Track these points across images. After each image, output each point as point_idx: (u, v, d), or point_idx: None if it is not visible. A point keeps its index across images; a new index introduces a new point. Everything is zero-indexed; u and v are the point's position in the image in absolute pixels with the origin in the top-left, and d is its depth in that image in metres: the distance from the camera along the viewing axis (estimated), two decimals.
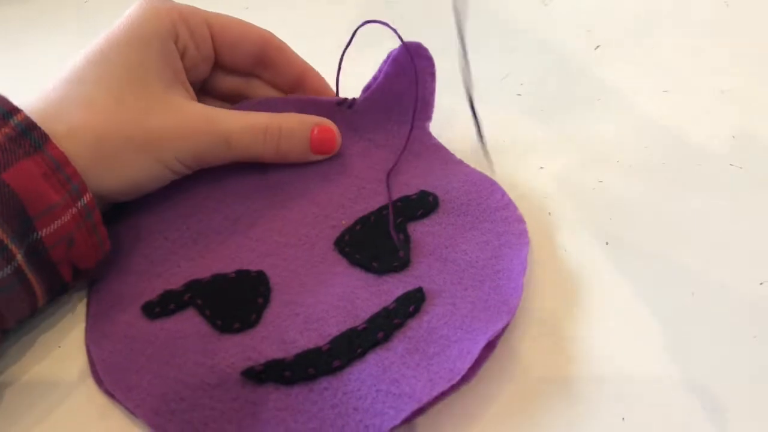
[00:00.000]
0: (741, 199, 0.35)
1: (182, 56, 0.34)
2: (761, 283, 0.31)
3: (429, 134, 0.37)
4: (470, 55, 0.45)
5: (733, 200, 0.35)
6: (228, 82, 0.37)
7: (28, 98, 0.30)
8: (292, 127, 0.35)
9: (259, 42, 0.36)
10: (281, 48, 0.37)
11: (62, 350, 0.31)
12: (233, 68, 0.37)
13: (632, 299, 0.31)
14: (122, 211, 0.34)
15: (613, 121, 0.40)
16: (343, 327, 0.29)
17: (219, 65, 0.37)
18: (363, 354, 0.28)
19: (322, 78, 0.38)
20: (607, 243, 0.34)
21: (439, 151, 0.37)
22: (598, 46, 0.45)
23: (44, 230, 0.28)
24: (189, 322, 0.30)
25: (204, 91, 0.38)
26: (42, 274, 0.29)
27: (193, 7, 0.35)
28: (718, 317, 0.30)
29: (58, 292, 0.31)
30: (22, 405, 0.29)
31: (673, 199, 0.36)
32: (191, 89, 0.35)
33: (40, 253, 0.29)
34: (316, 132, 0.35)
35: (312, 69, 0.37)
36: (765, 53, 0.44)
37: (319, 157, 0.36)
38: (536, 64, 0.44)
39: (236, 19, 0.36)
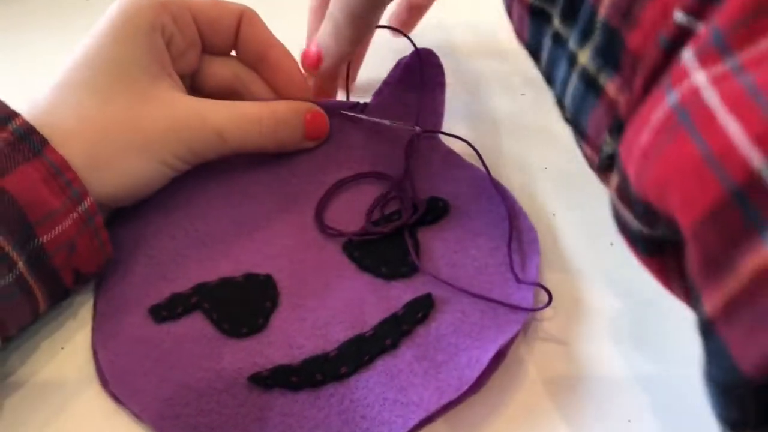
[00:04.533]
0: None
1: (168, 45, 0.34)
2: None
3: (440, 141, 0.37)
4: (469, 54, 0.45)
5: None
6: (218, 76, 0.37)
7: (18, 107, 0.30)
8: (287, 115, 0.35)
9: (237, 15, 0.36)
10: (251, 19, 0.36)
11: (66, 352, 0.30)
12: (219, 48, 0.36)
13: (638, 300, 0.31)
14: (127, 212, 0.34)
15: None
16: (351, 333, 0.29)
17: (206, 50, 0.36)
18: (370, 361, 0.28)
19: (289, 55, 0.36)
20: (611, 244, 0.33)
21: (450, 156, 0.36)
22: None
23: (45, 236, 0.28)
24: (196, 326, 0.30)
25: (194, 89, 0.37)
26: (44, 280, 0.29)
27: None
28: None
29: (59, 297, 0.31)
30: (28, 408, 0.29)
31: None
32: (180, 81, 0.34)
33: (42, 260, 0.28)
34: (309, 117, 0.35)
35: (280, 46, 0.36)
36: None
37: (312, 144, 0.36)
38: None
39: (215, 0, 0.36)
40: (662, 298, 0.31)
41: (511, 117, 0.41)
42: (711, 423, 0.27)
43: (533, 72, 0.43)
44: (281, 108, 0.35)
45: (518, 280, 0.30)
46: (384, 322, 0.29)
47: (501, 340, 0.28)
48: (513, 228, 0.32)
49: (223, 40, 0.36)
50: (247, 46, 0.36)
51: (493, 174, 0.35)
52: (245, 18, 0.36)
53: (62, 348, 0.31)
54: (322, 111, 0.36)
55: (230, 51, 0.37)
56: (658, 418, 0.27)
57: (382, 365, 0.28)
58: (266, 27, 0.36)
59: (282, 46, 0.36)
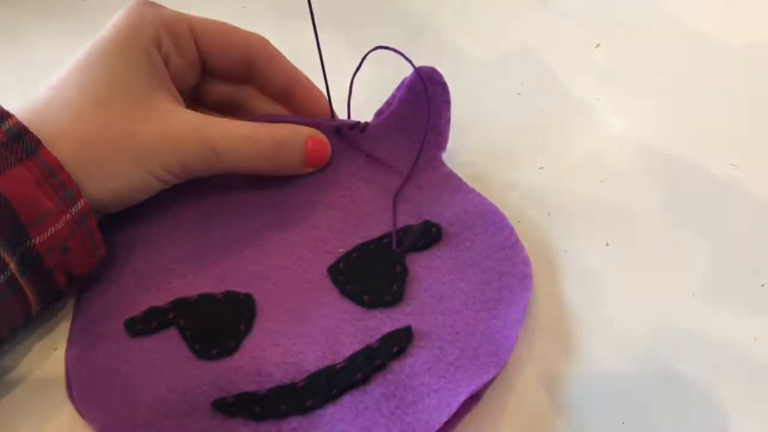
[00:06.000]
0: (741, 199, 0.35)
1: (166, 62, 0.33)
2: (762, 285, 0.31)
3: (442, 163, 0.36)
4: (467, 53, 0.45)
5: (733, 200, 0.35)
6: (219, 91, 0.36)
7: (14, 107, 0.30)
8: (287, 139, 0.34)
9: (245, 49, 0.35)
10: (269, 55, 0.35)
11: (59, 354, 0.30)
12: (222, 75, 0.36)
13: (633, 301, 0.31)
14: (120, 221, 0.34)
15: (613, 120, 0.40)
16: (322, 363, 0.28)
17: (207, 71, 0.36)
18: (338, 395, 0.27)
19: (314, 88, 0.36)
20: (607, 244, 0.33)
21: (450, 179, 0.35)
22: (598, 45, 0.45)
23: (38, 238, 0.28)
24: (169, 343, 0.30)
25: (196, 100, 0.37)
26: (36, 281, 0.29)
27: (176, 12, 0.34)
28: (718, 319, 0.30)
29: (52, 299, 0.31)
30: (21, 409, 0.29)
31: (674, 199, 0.35)
32: (179, 96, 0.34)
33: (34, 261, 0.28)
34: (310, 144, 0.34)
35: (302, 78, 0.36)
36: (765, 52, 0.44)
37: (311, 170, 0.35)
38: (536, 63, 0.44)
39: (222, 24, 0.35)
40: (657, 300, 0.31)
41: (507, 116, 0.41)
42: (705, 424, 0.27)
43: (530, 71, 0.43)
44: (282, 131, 0.34)
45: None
46: (357, 355, 0.28)
47: (475, 385, 0.27)
48: (506, 261, 0.31)
49: (227, 68, 0.35)
50: (269, 79, 0.36)
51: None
52: (261, 53, 0.35)
53: (55, 349, 0.31)
54: (324, 138, 0.35)
55: (235, 78, 0.36)
56: (652, 419, 0.27)
57: (349, 401, 0.27)
58: (285, 59, 0.36)
59: (305, 79, 0.36)
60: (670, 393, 0.28)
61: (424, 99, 0.34)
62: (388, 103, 0.36)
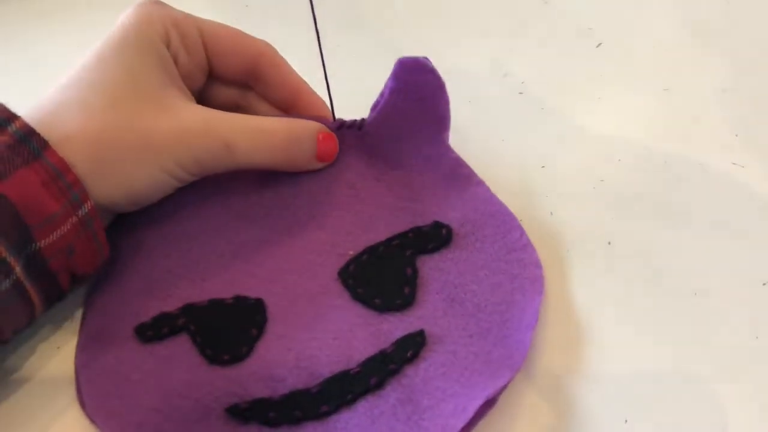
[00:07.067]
0: (744, 198, 0.35)
1: (175, 62, 0.33)
2: (764, 284, 0.31)
3: (448, 147, 0.35)
4: (468, 53, 0.45)
5: (735, 199, 0.35)
6: (223, 94, 0.36)
7: (24, 107, 0.30)
8: (300, 132, 0.34)
9: (252, 55, 0.35)
10: (274, 63, 0.35)
11: (62, 352, 0.30)
12: (227, 78, 0.36)
13: (634, 300, 0.31)
14: (126, 225, 0.33)
15: (614, 119, 0.40)
16: (336, 368, 0.28)
17: (213, 74, 0.35)
18: (353, 400, 0.27)
19: (318, 98, 0.36)
20: (609, 243, 0.33)
21: (459, 169, 0.34)
22: (599, 44, 0.45)
23: (43, 241, 0.28)
24: (179, 349, 0.29)
25: (201, 102, 0.36)
26: (41, 284, 0.29)
27: (186, 13, 0.34)
28: (720, 318, 0.30)
29: (55, 300, 0.31)
30: (26, 409, 0.29)
31: (675, 198, 0.35)
32: (189, 93, 0.34)
33: (39, 264, 0.28)
34: (321, 138, 0.34)
35: (306, 88, 0.36)
36: (765, 51, 0.44)
37: (321, 165, 0.35)
38: (537, 63, 0.44)
39: (231, 29, 0.35)
40: (660, 299, 0.31)
41: (509, 115, 0.41)
42: (706, 422, 0.27)
43: (530, 71, 0.43)
44: (294, 125, 0.34)
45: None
46: (371, 360, 0.28)
47: (490, 389, 0.26)
48: (518, 263, 0.31)
49: (232, 72, 0.35)
50: (274, 87, 0.35)
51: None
52: (267, 60, 0.35)
53: (58, 347, 0.31)
54: (333, 133, 0.35)
55: (239, 82, 0.36)
56: (655, 418, 0.27)
57: (365, 406, 0.27)
58: (290, 68, 0.36)
59: (309, 89, 0.36)
60: (673, 392, 0.28)
61: (413, 87, 0.33)
62: (381, 95, 0.35)
